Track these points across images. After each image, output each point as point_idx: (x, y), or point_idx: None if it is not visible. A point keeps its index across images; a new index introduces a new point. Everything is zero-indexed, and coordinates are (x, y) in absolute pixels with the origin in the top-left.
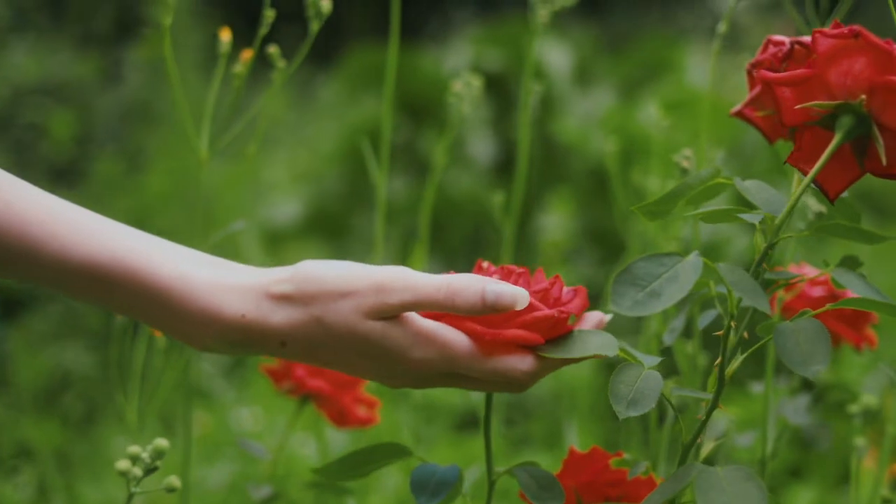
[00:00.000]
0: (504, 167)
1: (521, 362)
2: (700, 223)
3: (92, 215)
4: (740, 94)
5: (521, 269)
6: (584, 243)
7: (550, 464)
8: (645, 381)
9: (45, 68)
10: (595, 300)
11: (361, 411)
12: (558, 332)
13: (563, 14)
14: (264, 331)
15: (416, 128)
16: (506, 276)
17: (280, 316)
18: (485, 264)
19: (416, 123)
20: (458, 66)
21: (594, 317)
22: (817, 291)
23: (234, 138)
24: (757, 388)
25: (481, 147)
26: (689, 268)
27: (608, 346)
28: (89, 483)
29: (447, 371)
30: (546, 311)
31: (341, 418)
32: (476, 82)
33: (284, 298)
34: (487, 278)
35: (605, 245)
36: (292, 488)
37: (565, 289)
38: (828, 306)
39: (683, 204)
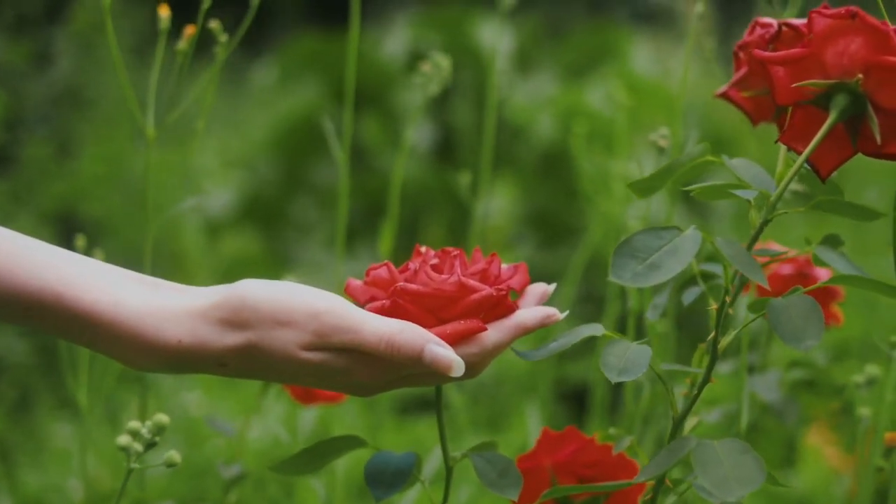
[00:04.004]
0: (444, 152)
1: (468, 347)
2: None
3: (23, 241)
4: (678, 79)
5: (456, 251)
6: (527, 227)
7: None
8: (634, 352)
9: None
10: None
11: None
12: (501, 311)
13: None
14: (202, 355)
15: (352, 114)
16: (443, 258)
17: (217, 340)
18: (423, 249)
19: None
20: (397, 51)
21: (537, 289)
22: (787, 270)
23: (167, 123)
24: (722, 367)
25: (421, 132)
26: (689, 241)
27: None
28: (29, 469)
29: (395, 377)
30: (484, 292)
31: (307, 395)
32: (445, 62)
33: (221, 322)
34: (431, 337)
35: (547, 229)
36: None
37: (504, 266)
38: (818, 284)
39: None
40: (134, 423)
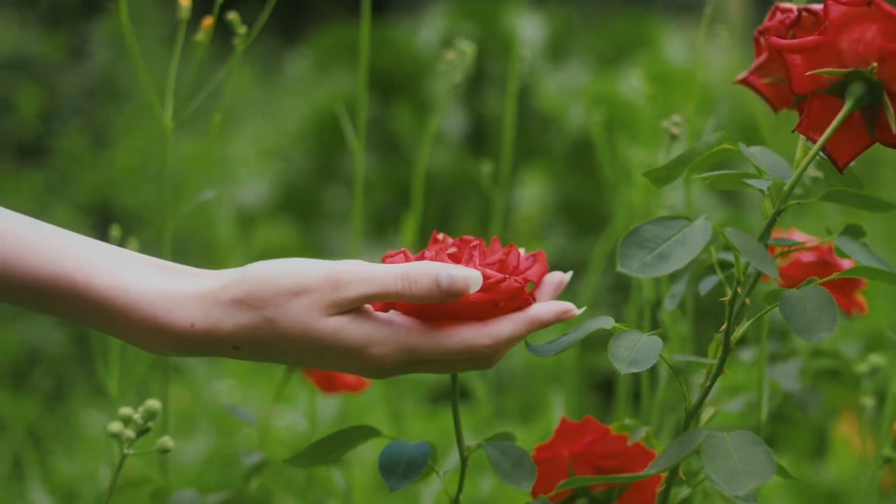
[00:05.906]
0: (476, 142)
1: (481, 336)
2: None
3: (37, 227)
4: (712, 67)
5: (476, 241)
6: (558, 217)
7: (525, 437)
8: (644, 343)
9: (13, 44)
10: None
11: (350, 376)
12: (518, 303)
13: None
14: (215, 338)
15: (385, 103)
16: (462, 247)
17: (230, 322)
18: (440, 236)
19: (385, 99)
20: (431, 40)
21: (554, 279)
22: (808, 257)
23: (200, 114)
24: (744, 355)
25: (453, 121)
26: (698, 231)
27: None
28: (62, 457)
29: (408, 360)
30: (496, 276)
31: (329, 383)
32: (469, 50)
33: (234, 303)
34: (442, 264)
35: (578, 218)
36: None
37: (523, 256)
38: (834, 275)
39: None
40: (126, 410)
